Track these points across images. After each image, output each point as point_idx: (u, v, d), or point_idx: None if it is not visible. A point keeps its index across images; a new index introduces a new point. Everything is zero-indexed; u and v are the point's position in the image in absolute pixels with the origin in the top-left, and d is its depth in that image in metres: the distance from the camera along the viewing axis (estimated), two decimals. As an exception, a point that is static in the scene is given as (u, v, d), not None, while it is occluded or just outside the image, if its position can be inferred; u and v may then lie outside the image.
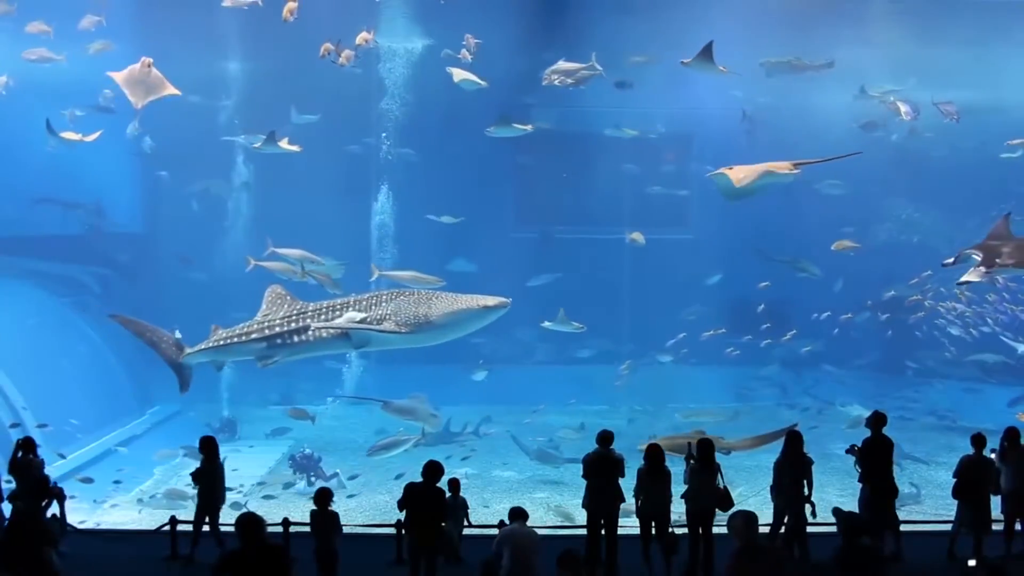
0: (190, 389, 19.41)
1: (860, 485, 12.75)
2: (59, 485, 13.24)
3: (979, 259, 16.13)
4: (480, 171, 29.08)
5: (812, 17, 25.76)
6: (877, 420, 12.62)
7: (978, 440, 12.55)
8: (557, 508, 18.24)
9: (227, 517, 12.30)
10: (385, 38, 27.45)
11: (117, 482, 20.29)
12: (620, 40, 26.48)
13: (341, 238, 26.44)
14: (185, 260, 27.93)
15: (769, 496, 12.67)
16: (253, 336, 18.38)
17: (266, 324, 18.46)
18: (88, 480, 20.03)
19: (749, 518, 9.25)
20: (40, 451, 13.31)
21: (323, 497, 11.43)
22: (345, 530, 15.09)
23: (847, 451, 12.80)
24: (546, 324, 23.29)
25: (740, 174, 17.64)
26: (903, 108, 24.45)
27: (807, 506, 12.39)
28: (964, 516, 12.61)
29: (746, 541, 9.13)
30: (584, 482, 12.49)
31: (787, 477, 12.32)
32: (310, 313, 18.40)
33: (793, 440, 12.42)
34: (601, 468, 12.33)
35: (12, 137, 24.38)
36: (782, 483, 12.38)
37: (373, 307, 18.10)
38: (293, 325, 18.30)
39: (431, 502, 11.18)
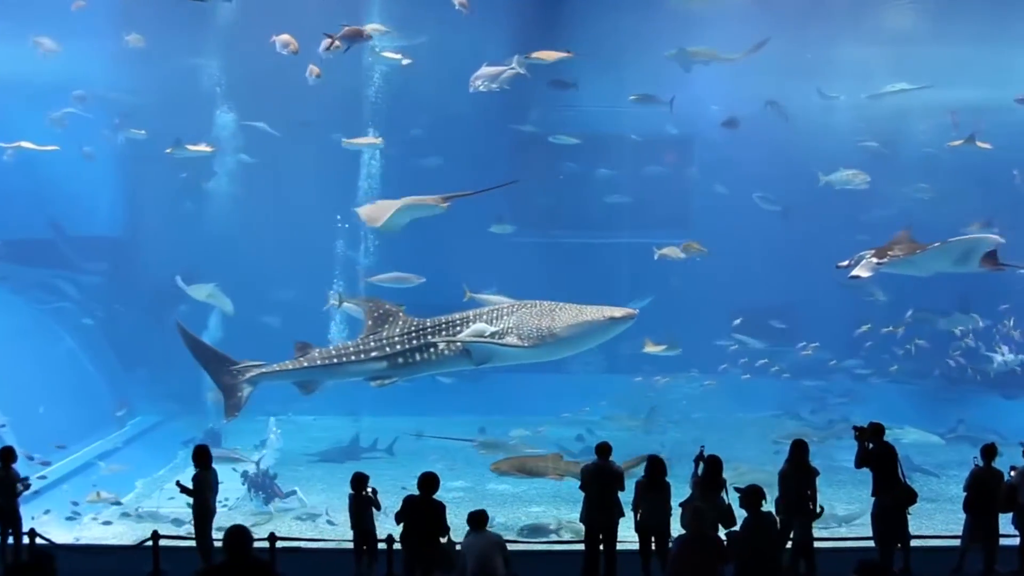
0: (173, 399, 19.21)
1: (867, 497, 12.78)
2: None
3: (871, 254, 16.70)
4: (476, 173, 29.09)
5: (813, 13, 25.88)
6: (875, 431, 12.63)
7: (988, 451, 12.58)
8: (568, 524, 18.18)
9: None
10: (377, 38, 27.54)
11: (77, 505, 20.09)
12: (618, 37, 26.59)
13: (329, 240, 26.63)
14: (184, 276, 27.77)
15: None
16: (373, 355, 18.10)
17: (385, 342, 18.17)
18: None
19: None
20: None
21: (359, 481, 12.08)
22: (331, 545, 15.30)
23: (854, 427, 12.81)
24: (649, 349, 23.07)
25: (377, 212, 18.27)
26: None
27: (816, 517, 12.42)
28: (975, 530, 12.64)
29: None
30: (582, 494, 12.54)
31: (792, 488, 12.31)
32: (430, 329, 18.12)
33: (797, 449, 12.42)
34: (600, 480, 12.35)
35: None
36: (787, 494, 12.37)
37: (495, 321, 17.84)
38: (414, 343, 18.05)
39: (429, 515, 11.19)
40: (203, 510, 12.79)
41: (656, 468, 12.07)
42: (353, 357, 18.21)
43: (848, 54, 27.32)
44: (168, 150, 22.32)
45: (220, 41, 27.70)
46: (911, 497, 12.47)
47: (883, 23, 26.94)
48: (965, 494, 12.68)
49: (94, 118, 26.63)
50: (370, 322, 18.59)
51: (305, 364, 18.29)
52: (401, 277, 22.45)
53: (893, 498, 12.39)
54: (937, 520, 18.29)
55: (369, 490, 12.09)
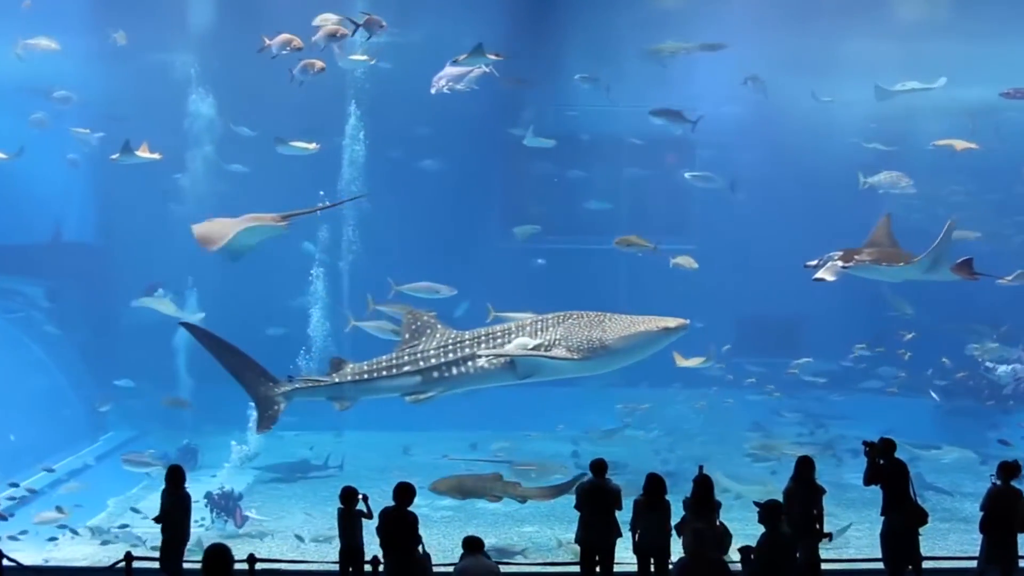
0: (148, 414, 18.94)
1: (878, 517, 12.76)
2: None
3: (838, 256, 16.94)
4: (464, 176, 29.12)
5: (819, 7, 25.92)
6: (886, 447, 12.63)
7: (1006, 469, 12.56)
8: (568, 544, 18.13)
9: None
10: (364, 36, 27.57)
11: (54, 538, 19.73)
12: (616, 35, 26.60)
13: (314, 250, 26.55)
14: (154, 287, 27.66)
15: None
16: (406, 369, 18.08)
17: (419, 355, 18.12)
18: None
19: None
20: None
21: (348, 496, 12.34)
22: (315, 567, 15.26)
23: (864, 442, 12.81)
24: (683, 363, 23.03)
25: (214, 231, 18.28)
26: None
27: (824, 539, 12.40)
28: (992, 551, 12.61)
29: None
30: (577, 514, 12.50)
31: (797, 507, 12.27)
32: (468, 342, 18.05)
33: (803, 466, 12.40)
34: (596, 499, 12.32)
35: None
36: (792, 513, 12.32)
37: (540, 333, 17.70)
38: (451, 356, 17.98)
39: (404, 526, 11.37)
40: (171, 533, 12.78)
41: (655, 486, 12.04)
42: (385, 372, 18.19)
43: (856, 50, 27.37)
44: (114, 156, 22.22)
45: (201, 39, 27.74)
46: (922, 517, 12.45)
47: (894, 18, 27.02)
48: (982, 513, 12.62)
49: (57, 113, 26.60)
50: (407, 335, 18.60)
51: (337, 380, 18.30)
52: (432, 287, 22.39)
53: (903, 518, 12.38)
54: (951, 540, 18.22)
55: (360, 496, 12.32)
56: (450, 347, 18.07)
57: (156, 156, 21.57)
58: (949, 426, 26.76)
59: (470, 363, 17.85)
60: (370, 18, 19.01)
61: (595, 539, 12.37)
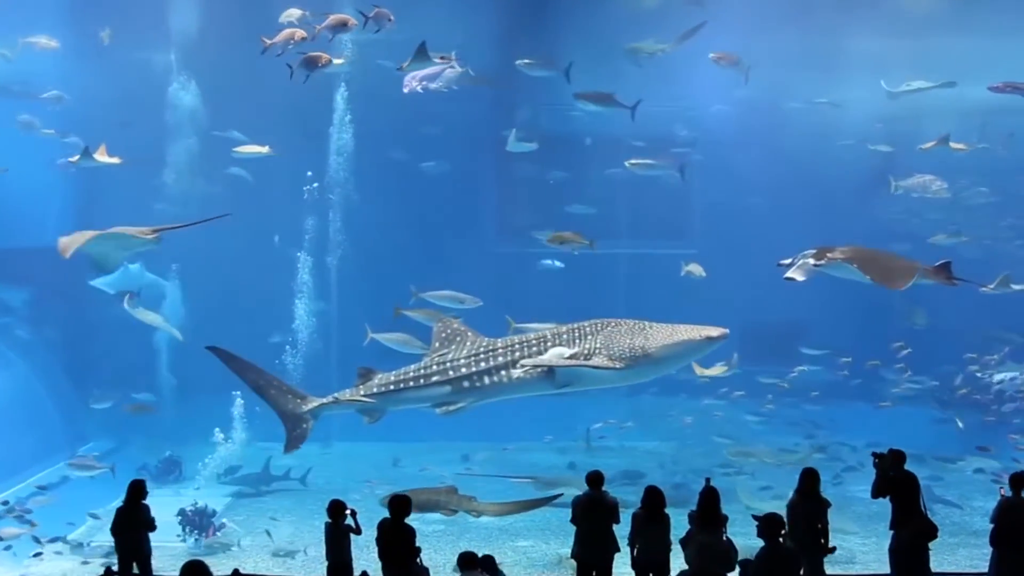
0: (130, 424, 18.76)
1: (888, 531, 12.66)
2: None
3: (811, 254, 16.66)
4: (458, 178, 29.01)
5: (822, 3, 25.90)
6: (896, 458, 12.50)
7: (1018, 481, 12.46)
8: (566, 560, 18.03)
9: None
10: (355, 32, 27.55)
11: (39, 553, 19.54)
12: (612, 33, 26.51)
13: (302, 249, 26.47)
14: (132, 297, 27.53)
15: None
16: (435, 379, 17.99)
17: (449, 364, 18.03)
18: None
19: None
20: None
21: (336, 509, 12.31)
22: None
23: (873, 454, 12.71)
24: (703, 373, 22.94)
25: (74, 240, 17.99)
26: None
27: (828, 552, 12.31)
28: (1003, 565, 12.50)
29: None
30: (573, 528, 12.38)
31: (801, 520, 12.15)
32: (500, 350, 17.98)
33: (807, 479, 12.29)
34: (592, 512, 12.21)
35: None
36: (796, 527, 12.21)
37: (578, 341, 17.55)
38: (483, 365, 17.90)
39: (400, 539, 11.44)
40: (123, 550, 12.86)
41: (654, 499, 11.92)
42: (413, 383, 18.12)
43: (861, 47, 27.28)
44: (73, 159, 22.10)
45: (190, 38, 27.73)
46: (932, 531, 12.35)
47: (900, 13, 26.95)
48: (992, 526, 12.56)
49: (43, 115, 26.53)
50: (437, 343, 18.55)
51: (362, 392, 18.26)
52: (455, 296, 22.37)
53: (912, 531, 12.27)
54: (960, 555, 18.15)
55: (348, 511, 12.26)
56: (482, 356, 17.99)
57: (115, 160, 21.45)
58: (947, 437, 26.71)
59: (503, 372, 17.74)
60: (378, 11, 18.89)
61: (592, 554, 12.27)
